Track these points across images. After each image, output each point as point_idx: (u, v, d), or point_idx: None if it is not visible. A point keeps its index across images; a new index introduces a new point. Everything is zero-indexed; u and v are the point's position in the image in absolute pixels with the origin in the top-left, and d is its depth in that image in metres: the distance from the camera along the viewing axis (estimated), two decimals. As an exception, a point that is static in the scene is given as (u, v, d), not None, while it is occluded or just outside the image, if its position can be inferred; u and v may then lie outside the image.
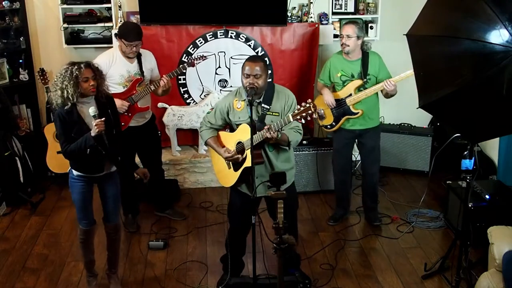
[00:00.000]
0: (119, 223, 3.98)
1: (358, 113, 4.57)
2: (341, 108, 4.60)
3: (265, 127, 3.48)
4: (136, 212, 4.95)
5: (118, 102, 4.41)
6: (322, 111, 4.67)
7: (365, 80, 4.51)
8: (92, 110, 3.47)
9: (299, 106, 3.44)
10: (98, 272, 4.13)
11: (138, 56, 4.53)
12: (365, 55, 4.53)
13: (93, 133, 3.47)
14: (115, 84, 4.48)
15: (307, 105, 3.39)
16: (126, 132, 4.54)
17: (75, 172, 3.71)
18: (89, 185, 3.76)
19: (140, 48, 4.49)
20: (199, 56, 4.71)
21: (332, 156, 4.99)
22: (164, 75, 4.53)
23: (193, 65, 4.69)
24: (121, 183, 4.53)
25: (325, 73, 4.68)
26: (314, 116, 3.34)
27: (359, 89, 4.54)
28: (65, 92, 3.44)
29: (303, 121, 3.43)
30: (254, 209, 3.43)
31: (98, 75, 3.56)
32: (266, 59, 5.59)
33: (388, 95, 4.54)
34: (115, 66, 4.47)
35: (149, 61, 4.64)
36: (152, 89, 4.52)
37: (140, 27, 4.55)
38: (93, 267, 4.03)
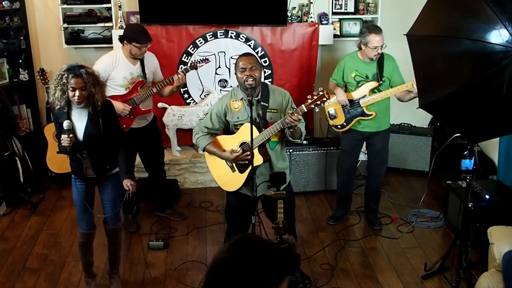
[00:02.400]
0: (119, 226, 3.95)
1: (371, 114, 4.54)
2: (354, 109, 4.58)
3: (289, 112, 3.46)
4: (136, 212, 4.95)
5: (120, 105, 4.41)
6: (334, 110, 4.66)
7: (380, 82, 4.50)
8: (65, 124, 3.50)
9: (310, 96, 3.48)
10: (98, 272, 4.14)
11: (141, 58, 4.52)
12: (381, 57, 4.49)
13: (63, 145, 3.53)
14: (117, 86, 4.48)
15: (321, 92, 3.45)
16: (127, 134, 4.55)
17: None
18: (88, 186, 3.75)
19: (148, 47, 4.48)
20: (202, 59, 4.70)
21: (339, 156, 4.96)
22: (179, 71, 4.48)
23: (196, 68, 4.66)
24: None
25: (338, 73, 4.64)
26: (328, 110, 3.39)
27: (373, 91, 4.53)
28: (56, 94, 3.48)
29: (317, 109, 3.50)
30: (254, 209, 3.42)
31: (89, 85, 3.49)
32: (266, 59, 5.60)
33: (406, 98, 4.49)
34: (118, 68, 4.46)
35: (152, 63, 4.63)
36: (154, 91, 4.50)
37: (145, 28, 4.52)
38: (91, 268, 4.02)
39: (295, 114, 3.42)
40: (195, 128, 3.86)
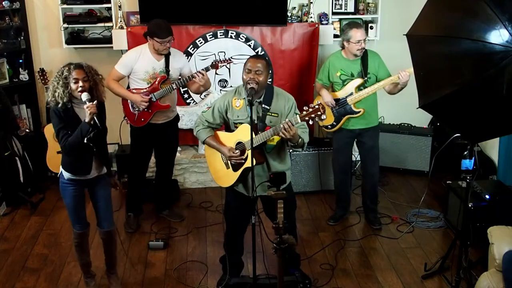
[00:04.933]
0: (112, 229, 3.93)
1: (360, 112, 4.56)
2: (342, 108, 4.60)
3: (283, 123, 3.44)
4: (139, 212, 4.96)
5: (138, 97, 4.49)
6: None
7: (365, 78, 4.51)
8: (84, 95, 3.47)
9: (306, 107, 3.46)
10: (98, 272, 4.14)
11: (167, 55, 4.54)
12: (364, 53, 4.52)
13: (87, 118, 3.46)
14: (139, 79, 4.54)
15: (316, 106, 3.43)
16: (145, 128, 4.59)
17: (66, 176, 3.69)
18: (81, 188, 3.75)
19: (172, 43, 4.50)
20: (224, 59, 4.68)
21: (332, 156, 4.99)
22: (199, 70, 4.49)
23: (217, 67, 4.65)
24: (128, 182, 4.54)
25: (324, 73, 4.67)
26: (323, 117, 3.38)
27: (359, 88, 4.54)
28: (56, 91, 3.47)
29: (311, 122, 3.47)
30: (253, 209, 3.43)
31: (91, 77, 3.52)
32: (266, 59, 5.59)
33: (395, 90, 4.51)
34: (141, 62, 4.51)
35: (178, 60, 4.62)
36: (174, 87, 4.52)
37: (167, 23, 4.49)
38: (89, 269, 4.03)
39: (288, 128, 3.40)
40: (196, 120, 3.89)
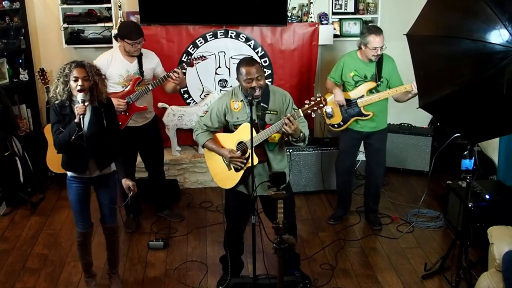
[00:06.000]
0: (116, 225, 3.95)
1: (369, 115, 4.54)
2: (351, 109, 4.58)
3: (284, 118, 3.45)
4: (138, 212, 4.96)
5: (114, 101, 4.42)
6: (331, 109, 4.66)
7: (378, 83, 4.50)
8: (80, 95, 3.47)
9: (308, 101, 3.49)
10: (98, 272, 4.13)
11: (139, 56, 4.53)
12: (380, 57, 4.49)
13: (76, 119, 3.47)
14: (113, 83, 4.50)
15: (318, 98, 3.45)
16: (124, 132, 4.54)
17: (69, 173, 3.71)
18: (85, 186, 3.75)
19: (142, 44, 4.49)
20: (198, 56, 4.70)
21: (337, 156, 4.97)
22: (175, 68, 4.47)
23: (192, 65, 4.66)
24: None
25: (337, 72, 4.64)
26: (326, 109, 3.41)
27: (371, 91, 4.53)
28: (58, 88, 3.49)
29: (313, 114, 3.50)
30: (252, 208, 3.43)
31: (91, 77, 3.51)
32: (266, 59, 5.59)
33: (404, 99, 4.49)
34: (114, 66, 4.48)
35: (150, 61, 4.62)
36: (150, 88, 4.51)
37: (139, 24, 4.51)
38: (90, 268, 4.03)
39: (290, 123, 3.42)
40: (195, 125, 3.88)
